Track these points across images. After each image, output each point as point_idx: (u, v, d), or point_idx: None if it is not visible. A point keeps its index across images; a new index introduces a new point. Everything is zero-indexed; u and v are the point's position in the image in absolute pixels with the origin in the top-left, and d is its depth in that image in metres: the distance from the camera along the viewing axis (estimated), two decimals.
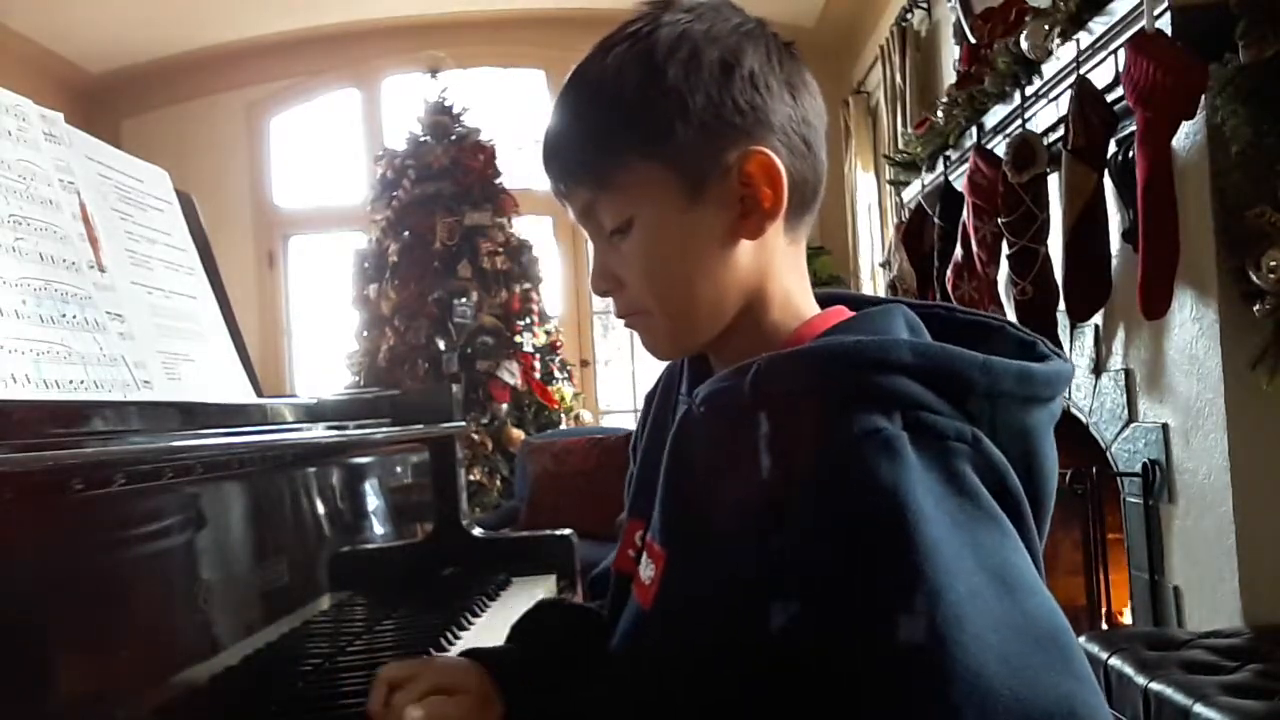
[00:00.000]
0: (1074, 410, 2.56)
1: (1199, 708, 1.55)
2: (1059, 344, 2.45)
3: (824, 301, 0.77)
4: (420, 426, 1.57)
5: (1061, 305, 2.31)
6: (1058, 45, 2.26)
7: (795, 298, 0.74)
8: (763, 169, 0.69)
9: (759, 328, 0.73)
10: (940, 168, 3.12)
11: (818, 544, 0.58)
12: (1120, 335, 2.32)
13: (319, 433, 1.29)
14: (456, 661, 0.82)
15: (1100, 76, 2.10)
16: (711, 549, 0.64)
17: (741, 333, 0.73)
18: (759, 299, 0.72)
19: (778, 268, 0.73)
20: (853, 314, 0.72)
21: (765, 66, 0.70)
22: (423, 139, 5.14)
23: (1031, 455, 0.66)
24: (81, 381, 0.92)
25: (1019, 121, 2.49)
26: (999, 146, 2.60)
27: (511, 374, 4.97)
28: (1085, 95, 2.11)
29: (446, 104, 5.17)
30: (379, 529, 1.48)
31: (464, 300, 4.95)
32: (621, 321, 0.76)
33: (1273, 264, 1.74)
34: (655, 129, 0.69)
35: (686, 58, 0.68)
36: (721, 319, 0.72)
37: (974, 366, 0.62)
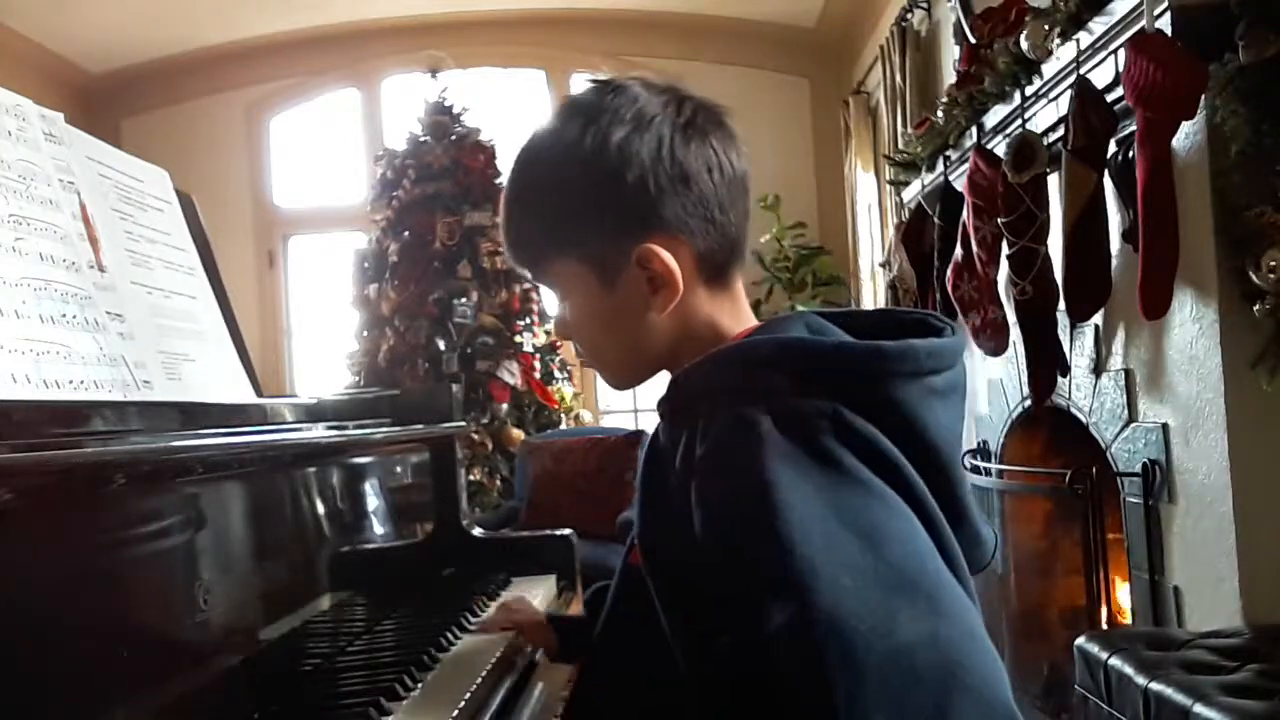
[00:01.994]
0: (1074, 410, 2.56)
1: (1199, 708, 1.54)
2: (1058, 344, 2.45)
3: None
4: (420, 426, 1.57)
5: (1061, 305, 2.31)
6: (1058, 45, 2.26)
7: (723, 324, 0.82)
8: (658, 261, 0.78)
9: (700, 350, 0.80)
10: (940, 168, 3.12)
11: (707, 526, 0.67)
12: (1120, 335, 2.32)
13: (319, 433, 1.30)
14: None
15: (1100, 76, 2.10)
16: (661, 543, 0.75)
17: (687, 357, 0.81)
18: (688, 339, 0.82)
19: (701, 314, 0.82)
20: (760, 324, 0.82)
21: (654, 165, 0.78)
22: (423, 139, 5.14)
23: (910, 423, 0.72)
24: (81, 381, 0.92)
25: (1019, 121, 2.49)
26: (999, 146, 2.60)
27: (511, 374, 4.97)
28: (1085, 95, 2.11)
29: (447, 104, 5.17)
30: (379, 529, 1.48)
31: (464, 300, 4.95)
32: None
33: (1273, 264, 1.74)
34: (563, 232, 0.82)
35: (581, 171, 0.79)
36: (651, 365, 0.85)
37: (825, 351, 0.72)
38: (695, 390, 0.75)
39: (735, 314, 0.83)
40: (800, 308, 5.14)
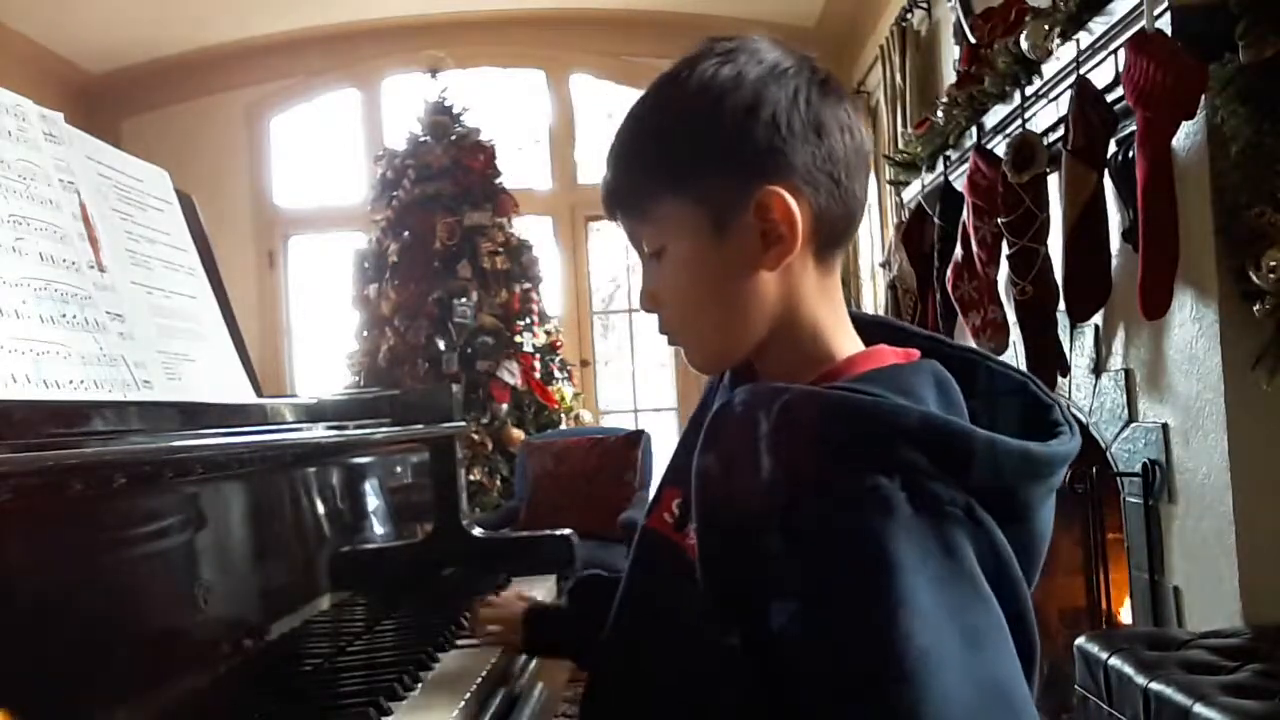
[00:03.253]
0: (1074, 410, 2.56)
1: (1199, 708, 1.54)
2: (1058, 344, 2.45)
3: (867, 329, 0.81)
4: (420, 426, 1.57)
5: (1061, 305, 2.31)
6: (1058, 45, 2.26)
7: (826, 327, 0.77)
8: (780, 208, 0.73)
9: (793, 350, 0.77)
10: (940, 168, 3.12)
11: (805, 578, 0.64)
12: (1120, 335, 2.32)
13: (319, 433, 1.29)
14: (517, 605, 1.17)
15: (1100, 76, 2.10)
16: (716, 537, 0.70)
17: (776, 353, 0.78)
18: (787, 326, 0.77)
19: (805, 297, 0.77)
20: (886, 363, 0.75)
21: (789, 108, 0.74)
22: (423, 139, 5.14)
23: (1027, 522, 0.70)
24: (81, 381, 0.92)
25: (1019, 121, 2.49)
26: (999, 146, 2.60)
27: (511, 374, 4.97)
28: (1085, 95, 2.11)
29: (446, 104, 5.17)
30: (379, 529, 1.48)
31: (464, 300, 4.95)
32: (650, 320, 0.84)
33: (1273, 264, 1.74)
34: (683, 169, 0.76)
35: (712, 103, 0.75)
36: (747, 341, 0.78)
37: (978, 443, 0.67)
38: (812, 427, 0.67)
39: (837, 319, 0.79)
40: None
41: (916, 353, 0.79)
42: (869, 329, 0.82)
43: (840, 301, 0.80)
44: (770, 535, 0.65)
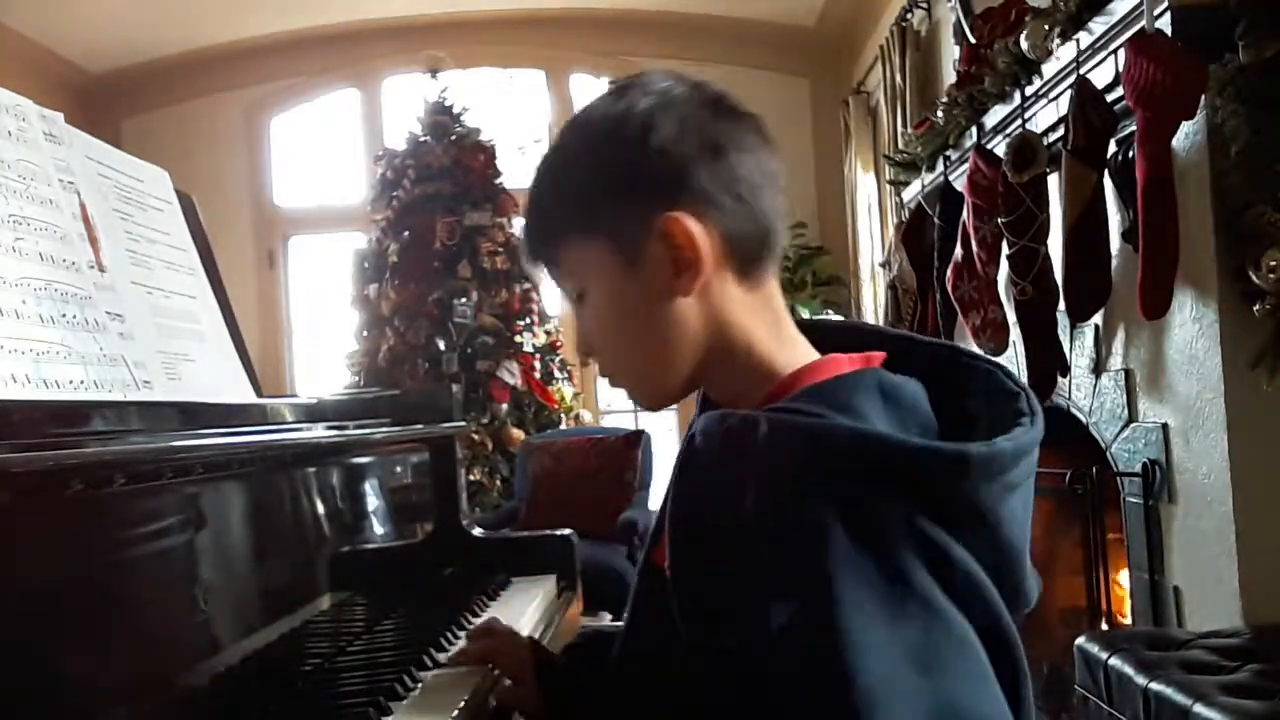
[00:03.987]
0: (1074, 410, 2.56)
1: (1199, 708, 1.54)
2: (1058, 344, 2.45)
3: (836, 335, 0.80)
4: (420, 426, 1.57)
5: (1061, 305, 2.31)
6: (1058, 45, 2.26)
7: (761, 344, 0.77)
8: (683, 232, 0.73)
9: (733, 372, 0.77)
10: (940, 168, 3.12)
11: (753, 620, 0.62)
12: (1120, 335, 2.32)
13: (319, 433, 1.29)
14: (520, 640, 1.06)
15: (1100, 76, 2.10)
16: (682, 576, 0.69)
17: (719, 377, 0.78)
18: (721, 349, 0.76)
19: (734, 317, 0.76)
20: (830, 375, 0.73)
21: (680, 133, 0.74)
22: (423, 139, 5.14)
23: (986, 522, 0.67)
24: (81, 381, 0.92)
25: (1019, 121, 2.49)
26: (999, 146, 2.60)
27: (511, 374, 4.97)
28: (1085, 95, 2.11)
29: (446, 104, 5.17)
30: (379, 529, 1.48)
31: (464, 300, 4.95)
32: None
33: (1273, 264, 1.74)
34: (586, 208, 0.77)
35: (604, 138, 0.76)
36: (681, 370, 0.78)
37: (911, 454, 0.64)
38: (749, 455, 0.65)
39: (776, 330, 0.77)
40: (805, 311, 5.15)
41: (880, 355, 0.77)
42: (839, 334, 0.81)
43: (779, 315, 0.78)
44: (723, 576, 0.64)
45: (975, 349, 2.89)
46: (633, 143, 0.74)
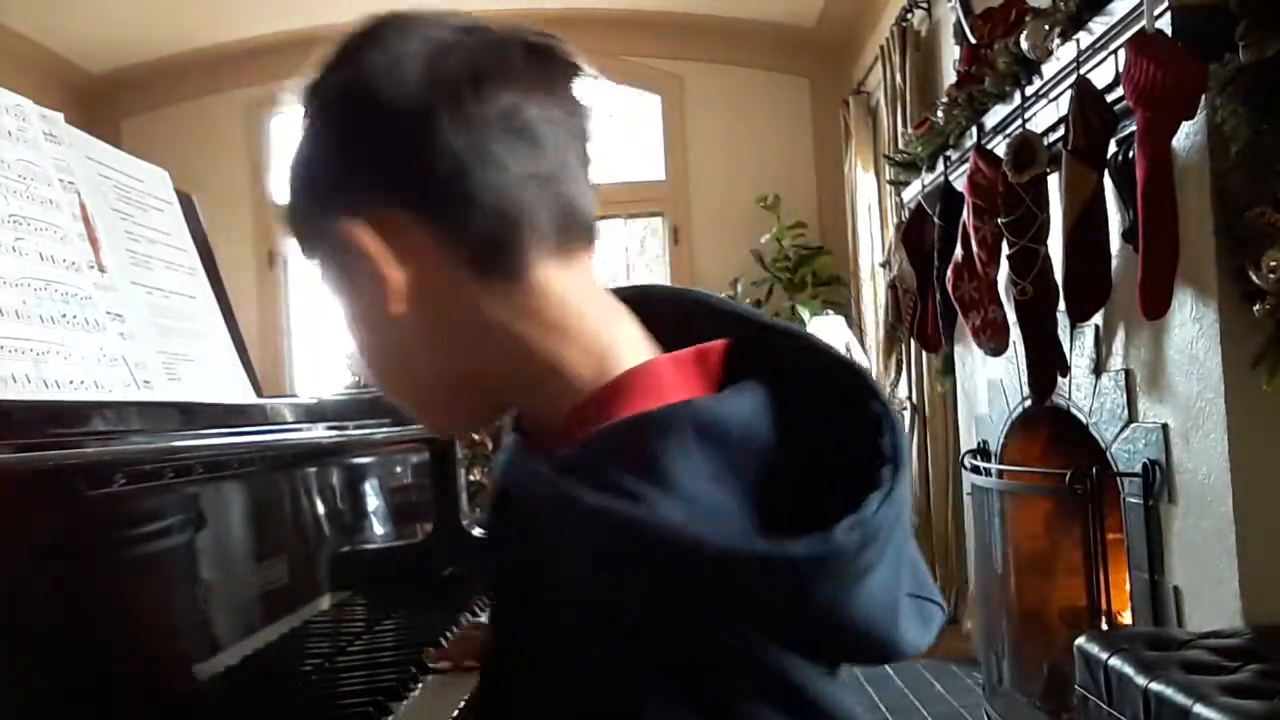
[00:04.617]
0: (1074, 410, 2.56)
1: (1199, 708, 1.54)
2: (1058, 344, 2.45)
3: (662, 309, 0.65)
4: (420, 426, 1.56)
5: (1061, 305, 2.31)
6: (1058, 45, 2.26)
7: (548, 353, 0.59)
8: (364, 241, 0.59)
9: (522, 389, 0.62)
10: (940, 168, 3.12)
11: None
12: (1120, 335, 2.32)
13: (319, 433, 1.29)
14: None
15: (1100, 76, 2.10)
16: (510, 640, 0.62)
17: (510, 396, 0.64)
18: (486, 369, 0.61)
19: (489, 331, 0.60)
20: (638, 406, 0.56)
21: (403, 109, 0.58)
22: None
23: (833, 622, 0.53)
24: (81, 381, 0.92)
25: (1019, 121, 2.49)
26: (999, 146, 2.60)
27: None
28: (1085, 95, 2.11)
29: None
30: (379, 529, 1.48)
31: None
32: None
33: (1273, 264, 1.74)
34: (301, 199, 0.66)
35: (317, 112, 0.65)
36: (436, 402, 0.65)
37: (711, 562, 0.50)
38: (554, 542, 0.55)
39: (559, 336, 0.59)
40: (805, 312, 5.15)
41: (718, 347, 0.61)
42: (669, 308, 0.65)
43: (570, 313, 0.60)
44: (537, 655, 0.57)
45: (975, 348, 2.90)
46: (340, 119, 0.61)
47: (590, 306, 0.61)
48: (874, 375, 0.60)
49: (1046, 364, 2.46)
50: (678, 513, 0.50)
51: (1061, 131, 2.24)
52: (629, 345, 0.61)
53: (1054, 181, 2.36)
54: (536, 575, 0.57)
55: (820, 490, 0.55)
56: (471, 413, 0.66)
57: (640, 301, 0.65)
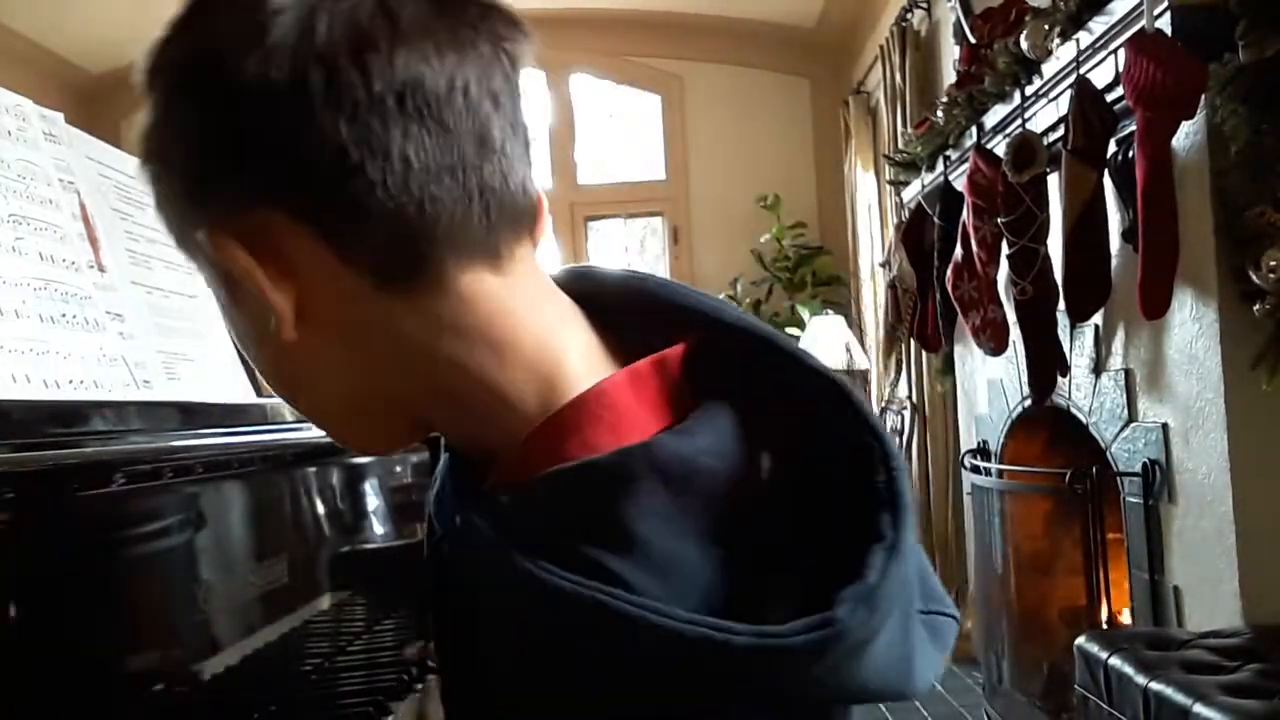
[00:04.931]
0: (1074, 410, 2.56)
1: (1199, 708, 1.55)
2: (1058, 344, 2.45)
3: (590, 297, 0.55)
4: None
5: (1061, 305, 2.31)
6: (1058, 45, 2.26)
7: (465, 380, 0.50)
8: (227, 252, 0.49)
9: (451, 413, 0.52)
10: (940, 168, 3.12)
11: None
12: (1120, 335, 2.32)
13: (319, 432, 1.29)
14: None
15: (1100, 76, 2.10)
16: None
17: (438, 420, 0.54)
18: (404, 393, 0.52)
19: (405, 348, 0.49)
20: (595, 448, 0.47)
21: (272, 84, 0.46)
22: None
23: (849, 698, 0.48)
24: (81, 381, 0.92)
25: (1019, 121, 2.49)
26: (999, 146, 2.60)
27: None
28: (1085, 95, 2.11)
29: None
30: (379, 529, 1.48)
31: None
32: None
33: (1273, 264, 1.74)
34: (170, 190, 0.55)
35: (171, 87, 0.53)
36: (353, 423, 0.56)
37: (694, 658, 0.42)
38: (508, 607, 0.47)
39: (495, 355, 0.49)
40: (805, 312, 5.14)
41: (677, 353, 0.51)
42: (620, 301, 0.55)
43: (506, 325, 0.50)
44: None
45: (975, 348, 2.90)
46: (191, 104, 0.49)
47: (530, 316, 0.51)
48: (869, 383, 0.47)
49: (1046, 364, 2.46)
50: (655, 589, 0.43)
51: (1061, 131, 2.24)
52: (578, 360, 0.51)
53: (1054, 181, 2.36)
54: (478, 631, 0.49)
55: (805, 535, 0.47)
56: (393, 436, 0.56)
57: (578, 285, 0.55)
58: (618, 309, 0.54)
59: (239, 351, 1.29)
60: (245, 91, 0.46)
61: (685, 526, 0.45)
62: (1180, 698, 1.60)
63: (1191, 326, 2.02)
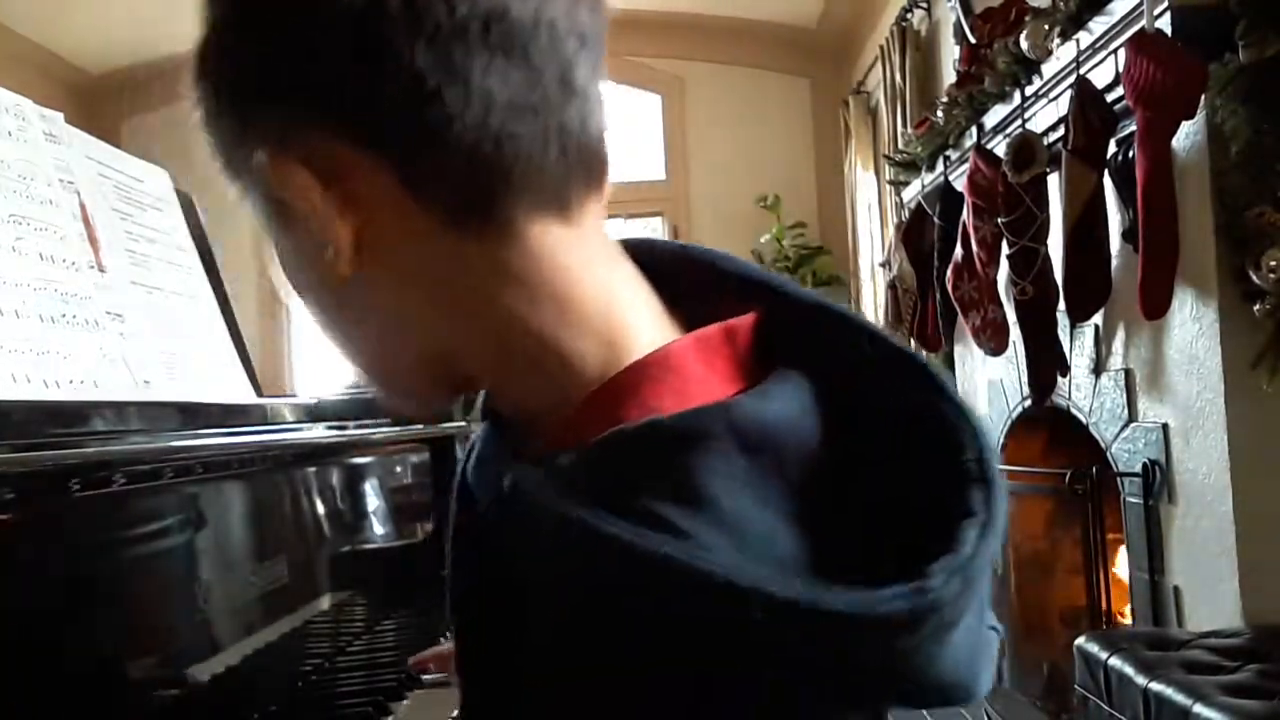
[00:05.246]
0: (1074, 410, 2.56)
1: (1199, 708, 1.55)
2: (1058, 344, 2.45)
3: (672, 270, 0.52)
4: (420, 427, 1.57)
5: (1061, 305, 2.31)
6: (1058, 45, 2.26)
7: (526, 336, 0.47)
8: (293, 177, 0.45)
9: (506, 369, 0.49)
10: (940, 168, 3.12)
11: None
12: (1120, 335, 2.32)
13: (319, 433, 1.29)
14: None
15: (1100, 76, 2.10)
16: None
17: (490, 378, 0.51)
18: (458, 347, 0.49)
19: (467, 298, 0.47)
20: (665, 408, 0.43)
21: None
22: None
23: (919, 679, 0.43)
24: (81, 381, 0.92)
25: (1019, 121, 2.49)
26: (999, 146, 2.60)
27: None
28: (1085, 95, 2.11)
29: None
30: (379, 529, 1.48)
31: None
32: None
33: (1273, 264, 1.75)
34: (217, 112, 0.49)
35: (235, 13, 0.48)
36: (403, 377, 0.52)
37: (766, 611, 0.38)
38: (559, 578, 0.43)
39: (557, 314, 0.47)
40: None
41: (747, 323, 0.48)
42: (680, 268, 0.52)
43: (572, 280, 0.47)
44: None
45: (975, 348, 2.90)
46: (259, 8, 0.46)
47: (596, 273, 0.48)
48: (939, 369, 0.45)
49: (1046, 364, 2.46)
50: (726, 549, 0.40)
51: (1061, 131, 2.24)
52: (644, 323, 0.48)
53: (1054, 181, 2.36)
54: (512, 609, 0.45)
55: (886, 515, 0.45)
56: (433, 388, 0.53)
57: (638, 252, 0.52)
58: (679, 278, 0.52)
59: (239, 351, 1.29)
60: (316, 6, 0.43)
61: (761, 494, 0.42)
62: (1180, 698, 1.60)
63: (1191, 326, 2.02)
